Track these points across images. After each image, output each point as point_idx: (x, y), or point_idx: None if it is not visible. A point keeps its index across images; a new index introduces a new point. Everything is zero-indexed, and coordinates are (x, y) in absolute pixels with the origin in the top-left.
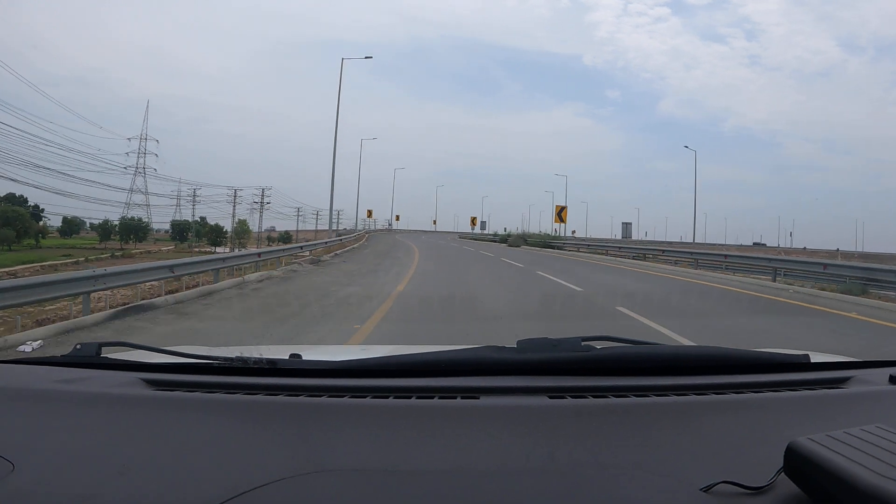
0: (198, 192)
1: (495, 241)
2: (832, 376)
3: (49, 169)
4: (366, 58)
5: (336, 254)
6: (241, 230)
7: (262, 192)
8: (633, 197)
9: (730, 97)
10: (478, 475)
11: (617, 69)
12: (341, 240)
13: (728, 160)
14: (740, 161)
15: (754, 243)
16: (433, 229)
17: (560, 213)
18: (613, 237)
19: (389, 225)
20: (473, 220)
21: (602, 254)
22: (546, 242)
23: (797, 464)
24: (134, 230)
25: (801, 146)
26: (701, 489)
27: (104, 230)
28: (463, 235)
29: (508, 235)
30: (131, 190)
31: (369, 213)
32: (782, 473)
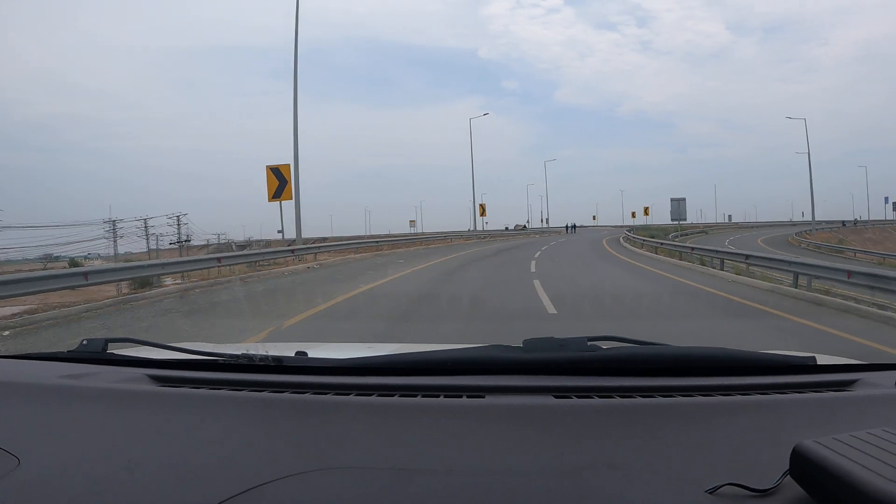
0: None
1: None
2: (839, 379)
3: None
4: None
5: None
6: None
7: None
8: (539, 185)
9: (625, 82)
10: (484, 474)
11: (513, 60)
12: None
13: (628, 143)
14: (639, 143)
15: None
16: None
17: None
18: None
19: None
20: (525, 224)
21: None
22: None
23: (803, 466)
24: None
25: (697, 125)
26: (706, 491)
27: None
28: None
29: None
30: None
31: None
32: (788, 476)
